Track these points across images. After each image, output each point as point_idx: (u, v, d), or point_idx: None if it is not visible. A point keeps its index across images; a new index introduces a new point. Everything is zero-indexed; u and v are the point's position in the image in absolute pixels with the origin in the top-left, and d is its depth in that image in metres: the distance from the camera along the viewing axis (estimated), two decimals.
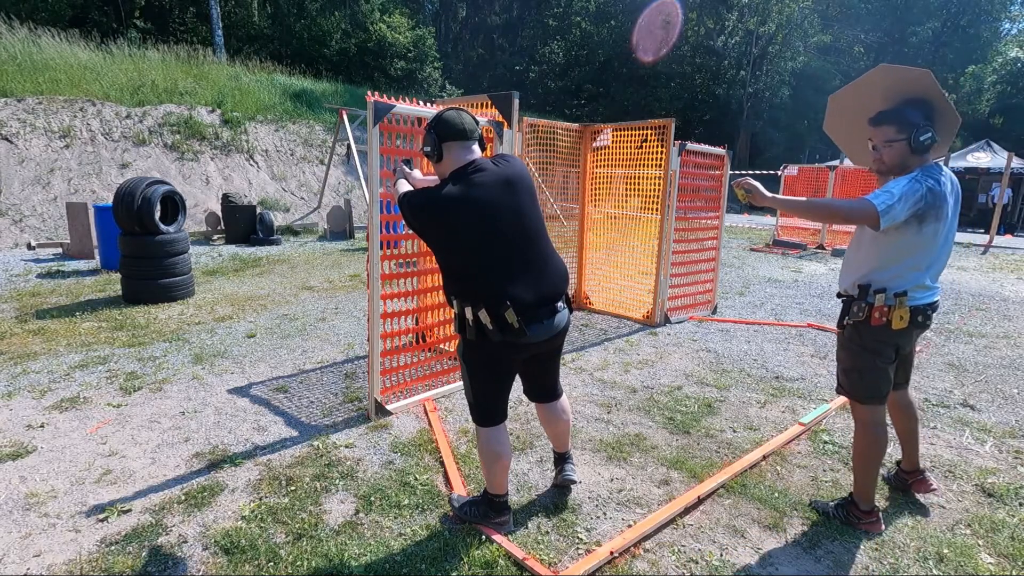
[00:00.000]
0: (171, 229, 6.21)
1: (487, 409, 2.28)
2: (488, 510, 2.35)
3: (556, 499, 2.59)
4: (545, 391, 2.48)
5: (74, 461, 2.82)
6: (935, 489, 2.63)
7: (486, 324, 2.06)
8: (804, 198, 2.28)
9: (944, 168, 2.24)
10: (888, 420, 2.45)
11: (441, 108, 2.89)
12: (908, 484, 2.68)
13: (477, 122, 2.23)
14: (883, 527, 2.42)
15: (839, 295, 2.40)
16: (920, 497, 2.67)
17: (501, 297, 2.04)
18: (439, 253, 2.19)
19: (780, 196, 2.26)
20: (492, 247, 2.08)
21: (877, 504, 2.43)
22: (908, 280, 2.20)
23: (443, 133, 2.15)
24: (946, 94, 2.23)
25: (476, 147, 2.21)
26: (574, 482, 2.62)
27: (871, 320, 2.23)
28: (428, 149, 2.19)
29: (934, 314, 2.30)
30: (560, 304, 2.19)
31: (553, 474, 2.70)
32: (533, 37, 34.43)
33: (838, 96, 2.51)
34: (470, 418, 3.42)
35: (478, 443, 2.33)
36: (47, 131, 10.72)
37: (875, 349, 2.27)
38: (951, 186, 2.22)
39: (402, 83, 24.07)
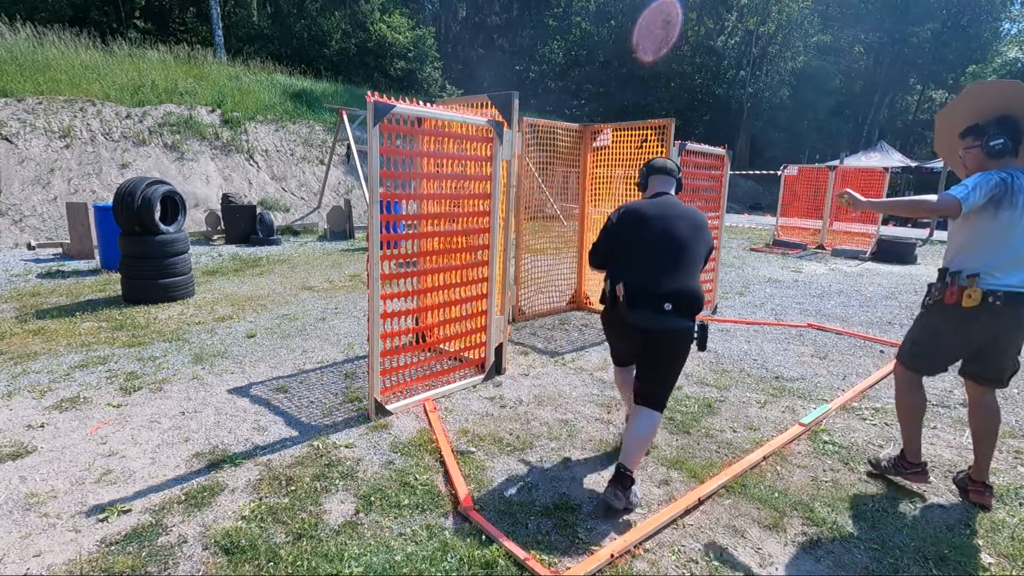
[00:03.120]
0: (171, 229, 6.21)
1: (612, 354, 3.00)
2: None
3: (556, 499, 2.59)
4: (641, 393, 2.64)
5: (74, 461, 2.82)
6: (987, 506, 2.60)
7: (614, 292, 2.62)
8: (893, 199, 2.68)
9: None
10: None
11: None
12: (968, 489, 2.66)
13: (678, 167, 2.95)
14: (930, 480, 2.74)
15: (929, 284, 2.64)
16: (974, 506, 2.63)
17: (628, 279, 2.58)
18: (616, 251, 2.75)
19: (873, 200, 2.58)
20: (633, 247, 2.65)
21: (924, 460, 2.73)
22: (982, 264, 2.42)
23: (646, 170, 2.92)
24: None
25: (671, 185, 2.87)
26: (610, 508, 2.46)
27: (945, 298, 2.48)
28: (639, 182, 2.95)
29: (1014, 304, 2.39)
30: (667, 306, 2.50)
31: (555, 473, 2.72)
32: (533, 37, 34.42)
33: (944, 114, 2.77)
34: (470, 418, 3.43)
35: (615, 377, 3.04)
36: (47, 131, 10.72)
37: (939, 329, 2.54)
38: None
39: (402, 83, 24.07)
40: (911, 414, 2.68)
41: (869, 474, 2.87)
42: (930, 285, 2.59)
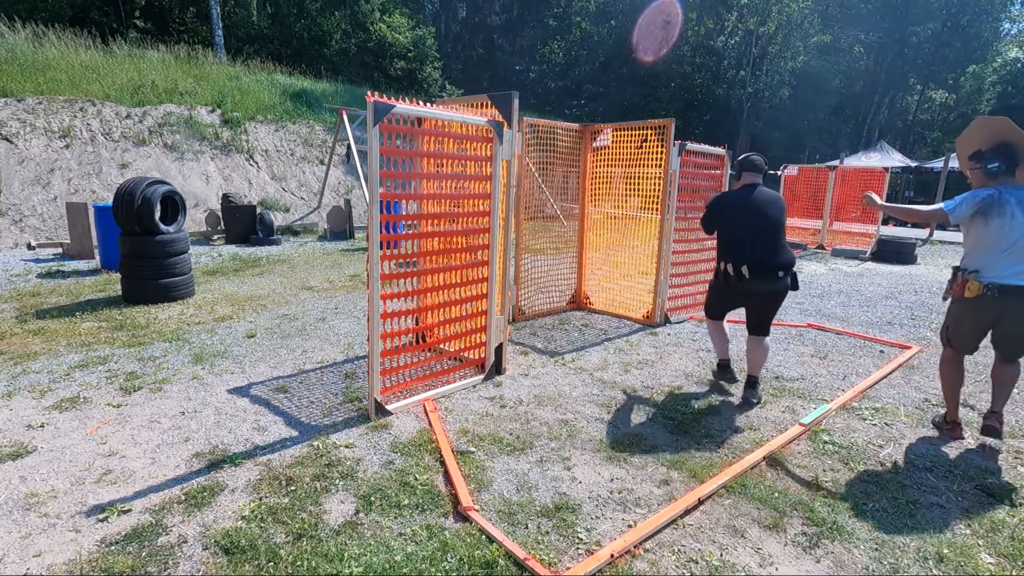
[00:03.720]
0: (171, 229, 6.21)
1: (711, 312, 3.95)
2: (717, 370, 4.05)
3: (556, 499, 2.59)
4: (755, 328, 3.75)
5: (74, 461, 2.82)
6: (998, 430, 3.18)
7: (727, 271, 3.58)
8: (901, 205, 3.49)
9: (1021, 185, 3.08)
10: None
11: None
12: (984, 418, 3.26)
13: (766, 163, 3.77)
14: (964, 437, 3.37)
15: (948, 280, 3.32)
16: (985, 441, 3.27)
17: (737, 257, 3.53)
18: (719, 230, 3.73)
19: (887, 204, 3.48)
20: (738, 229, 3.57)
21: (959, 420, 3.40)
22: (981, 262, 3.05)
23: (739, 166, 3.74)
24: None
25: (760, 177, 3.68)
26: (752, 404, 3.74)
27: (953, 292, 3.17)
28: (733, 173, 3.76)
29: (1012, 296, 2.96)
30: (781, 274, 3.51)
31: (555, 473, 2.74)
32: (533, 37, 34.40)
33: (961, 140, 3.39)
34: (469, 418, 3.44)
35: (709, 328, 4.01)
36: (47, 131, 10.72)
37: (958, 316, 3.23)
38: (1018, 194, 3.02)
39: (402, 83, 24.06)
40: (949, 384, 3.37)
41: (933, 423, 3.57)
42: (948, 281, 3.24)
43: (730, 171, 3.81)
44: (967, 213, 3.07)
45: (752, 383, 3.79)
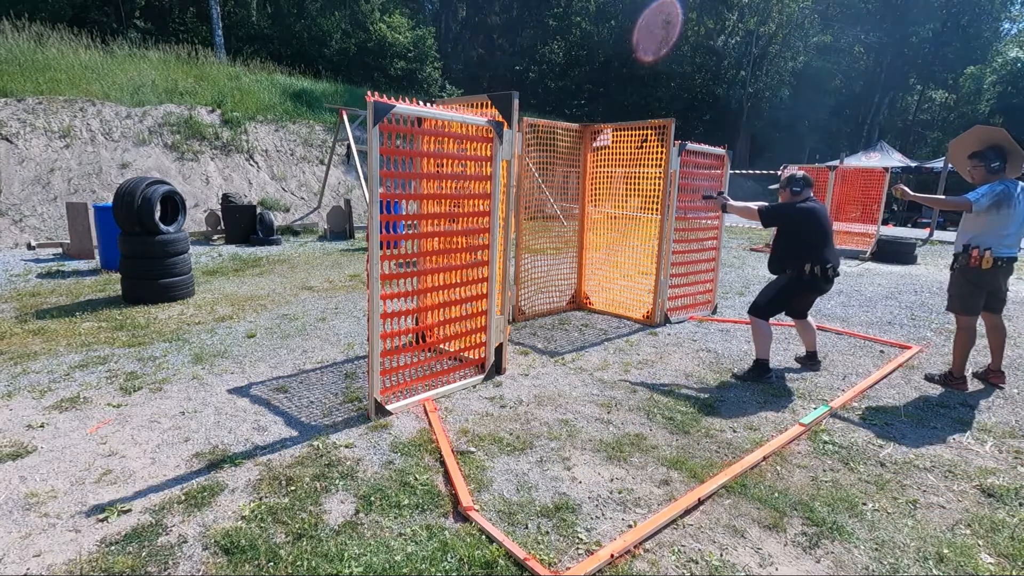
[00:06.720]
0: (171, 229, 6.21)
1: (772, 311, 4.19)
2: (759, 372, 4.20)
3: (556, 499, 2.59)
4: (803, 314, 4.41)
5: (74, 461, 2.82)
6: (1003, 386, 4.15)
7: (816, 273, 4.00)
8: (929, 195, 4.11)
9: (1019, 182, 3.88)
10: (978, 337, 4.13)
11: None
12: (988, 377, 4.23)
13: (811, 180, 4.28)
14: (968, 388, 4.08)
15: (955, 254, 4.02)
16: (998, 391, 4.06)
17: (824, 260, 4.00)
18: (786, 236, 4.17)
19: (919, 194, 4.06)
20: (820, 236, 4.06)
21: (966, 375, 4.13)
22: (993, 241, 3.82)
23: (803, 182, 4.20)
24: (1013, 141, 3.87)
25: (811, 192, 4.24)
26: (817, 368, 4.48)
27: (970, 262, 3.88)
28: (797, 189, 4.20)
29: (1013, 264, 3.88)
30: (840, 270, 4.14)
31: (555, 473, 2.75)
32: (533, 37, 34.38)
33: (955, 142, 4.12)
34: (469, 418, 3.45)
35: (757, 327, 4.18)
36: (47, 131, 10.72)
37: (972, 281, 3.93)
38: (1019, 189, 3.84)
39: (402, 83, 24.05)
40: (964, 348, 4.04)
41: (927, 378, 4.29)
42: (956, 255, 3.97)
43: (792, 188, 4.20)
44: (987, 204, 3.76)
45: (812, 357, 4.54)
